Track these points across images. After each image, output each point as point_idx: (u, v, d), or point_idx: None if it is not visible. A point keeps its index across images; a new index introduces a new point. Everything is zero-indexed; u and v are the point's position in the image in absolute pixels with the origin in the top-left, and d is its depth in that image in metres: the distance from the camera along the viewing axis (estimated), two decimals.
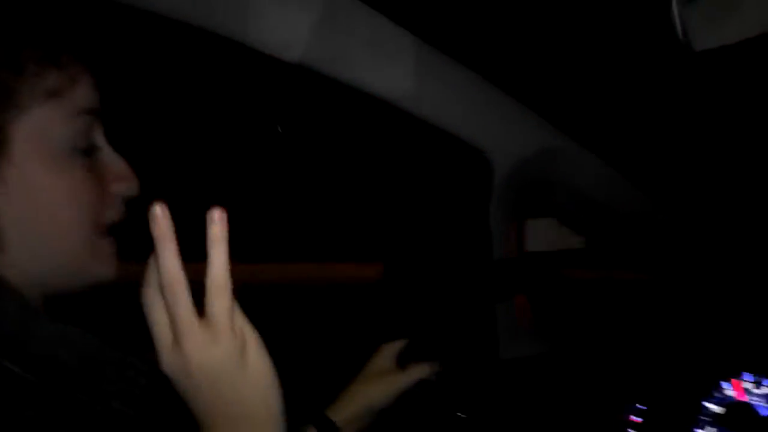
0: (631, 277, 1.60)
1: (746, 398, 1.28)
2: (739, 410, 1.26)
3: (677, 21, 0.84)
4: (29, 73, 0.75)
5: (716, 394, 1.31)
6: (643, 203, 1.53)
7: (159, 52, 1.34)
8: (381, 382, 1.19)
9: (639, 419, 1.37)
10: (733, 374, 1.31)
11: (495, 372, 1.43)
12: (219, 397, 0.72)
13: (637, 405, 1.38)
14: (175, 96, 1.49)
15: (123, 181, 0.84)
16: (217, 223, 0.68)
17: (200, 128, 1.55)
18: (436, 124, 1.36)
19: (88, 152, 0.81)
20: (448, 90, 1.35)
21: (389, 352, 1.23)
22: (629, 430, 1.37)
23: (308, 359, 1.59)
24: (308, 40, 1.22)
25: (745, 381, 1.29)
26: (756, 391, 1.27)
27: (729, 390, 1.30)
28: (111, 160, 0.84)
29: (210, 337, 0.69)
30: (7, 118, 0.74)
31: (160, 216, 0.67)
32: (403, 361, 1.23)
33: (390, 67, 1.29)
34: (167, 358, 0.71)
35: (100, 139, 0.84)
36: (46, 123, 0.76)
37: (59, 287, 0.82)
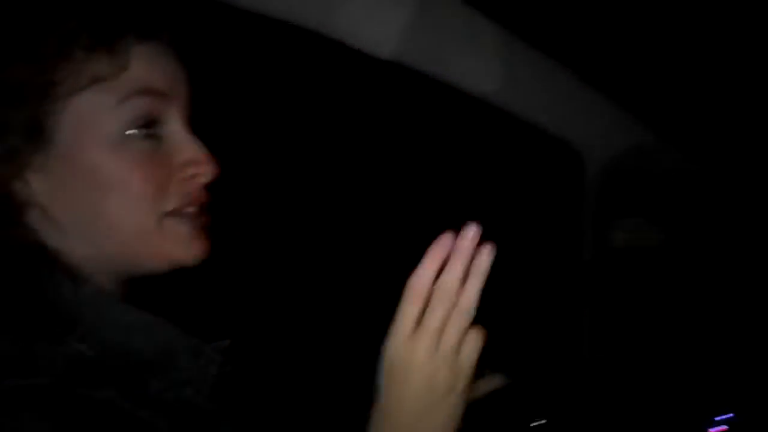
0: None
1: None
2: None
3: None
4: (76, 60, 0.74)
5: None
6: (735, 204, 1.48)
7: (254, 48, 1.36)
8: None
9: (725, 427, 1.34)
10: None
11: (579, 374, 1.41)
12: (409, 409, 0.76)
13: (724, 414, 1.35)
14: (269, 92, 1.51)
15: (194, 166, 0.81)
16: (483, 256, 0.73)
17: (292, 125, 1.57)
18: (530, 121, 1.35)
19: (151, 135, 0.78)
20: (541, 87, 1.33)
21: None
22: None
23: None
24: (401, 37, 1.22)
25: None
26: None
27: None
28: (183, 143, 0.81)
29: (439, 356, 0.74)
30: (49, 109, 0.74)
31: (472, 236, 0.73)
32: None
33: (484, 64, 1.28)
34: (395, 344, 0.75)
35: (172, 122, 0.80)
36: (92, 109, 0.75)
37: (137, 269, 0.81)
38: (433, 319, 0.74)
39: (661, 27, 1.24)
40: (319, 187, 1.58)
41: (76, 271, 0.77)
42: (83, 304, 0.75)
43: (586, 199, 1.40)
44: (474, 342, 0.75)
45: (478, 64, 1.28)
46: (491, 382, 1.18)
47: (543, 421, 1.23)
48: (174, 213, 0.80)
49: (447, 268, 0.73)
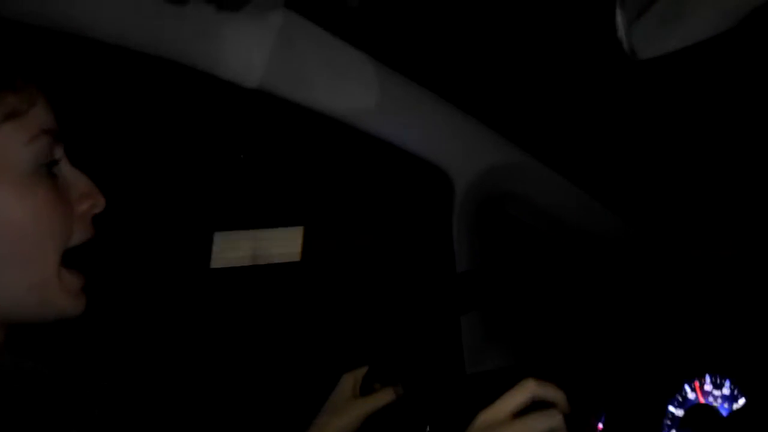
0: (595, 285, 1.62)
1: (705, 399, 1.30)
2: (699, 412, 1.29)
3: (622, 34, 0.87)
4: None
5: (678, 397, 1.33)
6: (600, 214, 1.56)
7: (120, 80, 1.35)
8: (346, 412, 1.18)
9: (602, 426, 1.39)
10: (697, 376, 1.33)
11: (461, 387, 1.44)
12: None
13: (603, 412, 1.40)
14: (139, 126, 1.50)
15: (88, 199, 0.84)
16: None
17: (164, 157, 1.56)
18: (395, 144, 1.38)
19: (51, 173, 0.81)
20: (406, 109, 1.37)
21: (351, 380, 1.23)
22: None
23: (272, 393, 1.59)
24: (266, 65, 1.23)
25: (707, 383, 1.32)
26: (717, 392, 1.30)
27: (691, 393, 1.33)
28: (74, 178, 0.84)
29: None
30: None
31: None
32: (365, 388, 1.23)
33: (348, 89, 1.31)
34: (486, 418, 0.83)
35: (61, 159, 0.83)
36: (6, 145, 0.76)
37: (25, 318, 0.80)
38: (528, 429, 0.81)
39: (523, 49, 1.30)
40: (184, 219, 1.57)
41: None
42: None
43: (456, 216, 1.45)
44: None
45: (344, 89, 1.31)
46: (385, 396, 1.19)
47: (428, 428, 1.25)
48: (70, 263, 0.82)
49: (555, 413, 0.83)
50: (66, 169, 0.84)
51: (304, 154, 1.52)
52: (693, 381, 1.33)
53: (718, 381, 1.30)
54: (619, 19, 0.87)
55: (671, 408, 1.33)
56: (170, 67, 1.17)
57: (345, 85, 1.31)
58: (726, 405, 1.28)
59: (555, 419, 0.81)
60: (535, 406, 0.85)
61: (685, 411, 1.31)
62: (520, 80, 1.35)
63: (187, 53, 1.19)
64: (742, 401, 1.25)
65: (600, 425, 1.40)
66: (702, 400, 1.31)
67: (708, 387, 1.31)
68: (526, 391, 0.83)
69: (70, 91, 0.95)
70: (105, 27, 1.11)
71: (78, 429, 0.78)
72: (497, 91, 1.38)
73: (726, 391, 1.29)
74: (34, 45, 0.86)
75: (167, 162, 1.53)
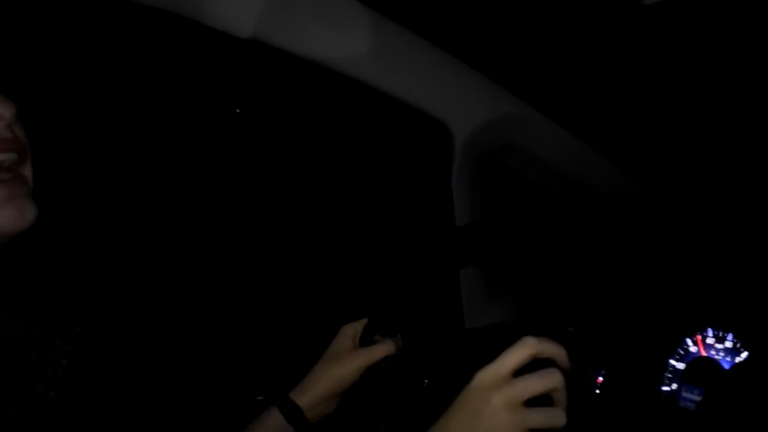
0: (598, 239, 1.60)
1: (707, 353, 1.30)
2: (701, 365, 1.28)
3: None
4: None
5: (680, 351, 1.32)
6: (603, 168, 1.54)
7: (113, 30, 1.32)
8: (344, 363, 1.17)
9: (602, 379, 1.39)
10: (699, 330, 1.32)
11: (460, 341, 1.43)
12: None
13: (603, 366, 1.39)
14: (132, 78, 1.47)
15: None
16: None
17: (157, 112, 1.53)
18: (395, 96, 1.36)
19: None
20: (405, 60, 1.34)
21: (350, 331, 1.22)
22: (596, 390, 1.39)
23: (270, 343, 1.58)
24: (261, 15, 1.20)
25: (709, 336, 1.31)
26: (719, 345, 1.29)
27: (692, 346, 1.32)
28: None
29: (507, 419, 0.77)
30: None
31: None
32: (365, 340, 1.23)
33: (345, 39, 1.28)
34: (483, 379, 0.80)
35: None
36: None
37: None
38: (527, 389, 0.78)
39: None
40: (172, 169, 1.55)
41: None
42: None
43: (456, 169, 1.43)
44: None
45: (342, 40, 1.28)
46: (384, 348, 1.19)
47: (427, 382, 1.25)
48: None
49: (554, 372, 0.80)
50: None
51: (303, 106, 1.50)
52: (695, 335, 1.32)
53: (721, 335, 1.29)
54: None
55: (672, 361, 1.32)
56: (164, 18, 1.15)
57: (343, 36, 1.28)
58: (728, 358, 1.27)
59: (554, 378, 0.79)
60: (534, 362, 0.83)
61: (687, 364, 1.31)
62: (522, 30, 1.32)
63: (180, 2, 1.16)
64: (744, 355, 1.25)
65: (600, 379, 1.40)
66: (704, 354, 1.30)
67: (710, 340, 1.30)
68: (525, 349, 0.81)
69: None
70: None
71: (44, 384, 0.77)
72: (499, 41, 1.35)
73: (728, 344, 1.28)
74: None
75: None
